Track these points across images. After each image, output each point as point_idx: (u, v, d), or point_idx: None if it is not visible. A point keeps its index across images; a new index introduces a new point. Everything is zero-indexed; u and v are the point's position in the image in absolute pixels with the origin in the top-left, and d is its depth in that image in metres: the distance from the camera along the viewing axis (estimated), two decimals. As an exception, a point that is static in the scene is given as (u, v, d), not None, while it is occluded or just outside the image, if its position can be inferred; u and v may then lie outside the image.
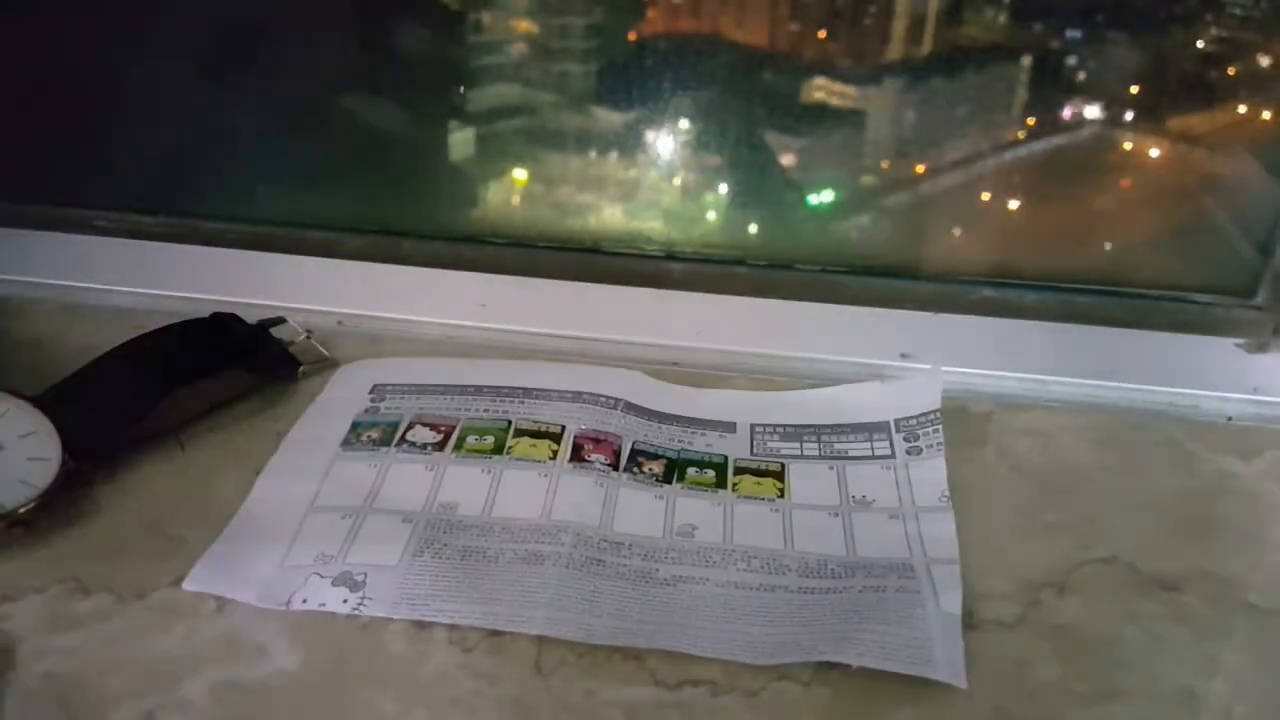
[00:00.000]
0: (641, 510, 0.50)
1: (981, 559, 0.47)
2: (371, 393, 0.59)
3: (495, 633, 0.44)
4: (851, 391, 0.58)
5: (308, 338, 0.62)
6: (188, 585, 0.46)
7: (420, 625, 0.44)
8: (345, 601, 0.45)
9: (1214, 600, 0.46)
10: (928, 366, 0.60)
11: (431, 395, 0.58)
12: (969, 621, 0.44)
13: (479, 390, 0.59)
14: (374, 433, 0.55)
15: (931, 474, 0.52)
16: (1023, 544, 0.49)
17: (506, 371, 0.60)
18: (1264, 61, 0.63)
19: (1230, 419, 0.58)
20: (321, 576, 0.46)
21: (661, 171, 0.72)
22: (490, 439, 0.55)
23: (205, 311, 0.62)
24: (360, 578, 0.46)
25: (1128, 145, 0.67)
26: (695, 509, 0.51)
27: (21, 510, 0.49)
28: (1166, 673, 0.43)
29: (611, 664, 0.43)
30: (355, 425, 0.56)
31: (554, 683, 0.42)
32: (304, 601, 0.45)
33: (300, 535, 0.49)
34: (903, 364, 0.61)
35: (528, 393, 0.58)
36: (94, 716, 0.41)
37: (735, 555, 0.48)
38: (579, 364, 0.61)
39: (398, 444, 0.54)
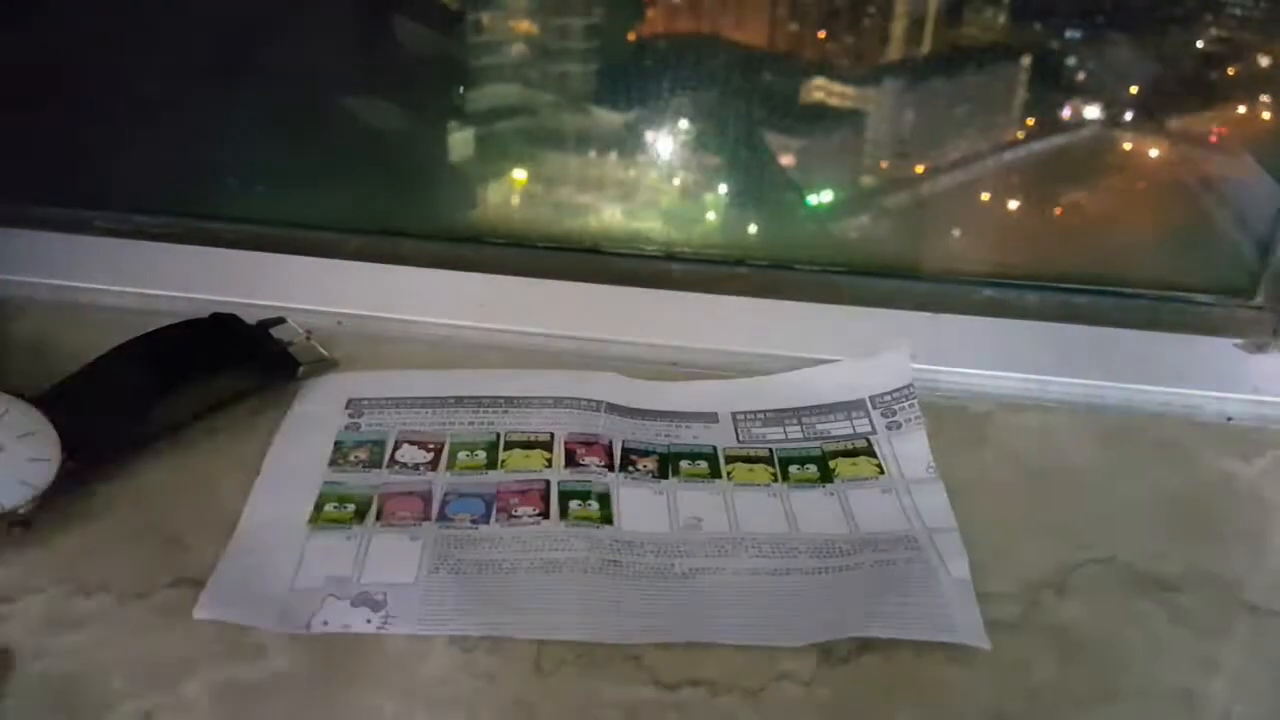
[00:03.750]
0: (645, 507, 0.51)
1: (981, 559, 0.47)
2: (348, 407, 0.58)
3: (495, 633, 0.44)
4: (823, 373, 0.59)
5: (307, 338, 0.62)
6: (198, 614, 0.45)
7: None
8: (369, 622, 0.44)
9: (1213, 601, 0.46)
10: (982, 374, 0.60)
11: (411, 409, 0.58)
12: (969, 622, 0.44)
13: (460, 402, 0.58)
14: (361, 452, 0.54)
15: (914, 447, 0.53)
16: (1022, 544, 0.49)
17: (484, 381, 0.59)
18: (1264, 61, 0.63)
19: (1230, 419, 0.58)
20: (338, 598, 0.45)
21: (661, 171, 0.72)
22: (482, 454, 0.54)
23: (205, 312, 0.62)
24: (380, 597, 0.45)
25: (1127, 145, 0.67)
26: (697, 501, 0.51)
27: (21, 510, 0.48)
28: (1166, 673, 0.43)
29: (611, 664, 0.43)
30: (339, 443, 0.55)
31: (554, 683, 0.42)
32: (325, 624, 0.44)
33: (305, 557, 0.48)
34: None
35: (510, 401, 0.58)
36: (93, 717, 0.41)
37: (745, 543, 0.48)
38: (555, 369, 0.61)
39: (388, 465, 0.54)
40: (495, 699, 0.41)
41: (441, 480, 0.53)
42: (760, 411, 0.57)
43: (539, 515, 0.50)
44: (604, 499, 0.51)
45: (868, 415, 0.56)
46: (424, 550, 0.48)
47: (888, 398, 0.56)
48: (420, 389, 0.59)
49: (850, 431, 0.55)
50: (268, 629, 0.44)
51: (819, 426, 0.56)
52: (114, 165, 0.77)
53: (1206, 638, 0.44)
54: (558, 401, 0.57)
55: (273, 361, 0.60)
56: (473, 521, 0.50)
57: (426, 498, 0.51)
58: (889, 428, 0.55)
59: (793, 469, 0.53)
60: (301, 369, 0.60)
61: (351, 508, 0.51)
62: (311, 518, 0.50)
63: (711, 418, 0.57)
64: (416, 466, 0.54)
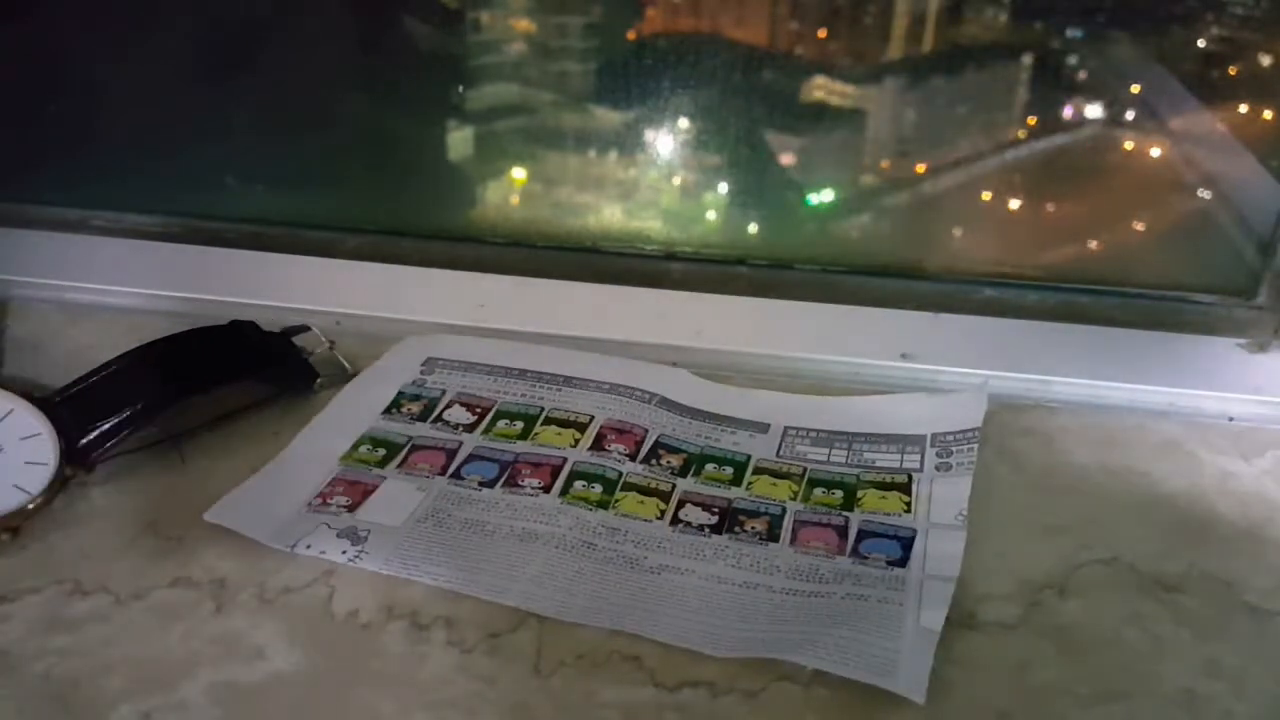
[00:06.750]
0: (645, 499, 0.51)
1: (982, 560, 0.47)
2: (424, 365, 0.61)
3: (494, 634, 0.44)
4: (894, 402, 0.58)
5: (330, 348, 0.61)
6: (208, 517, 0.48)
7: (419, 626, 0.44)
8: (344, 553, 0.47)
9: (1214, 601, 0.46)
10: (980, 374, 0.59)
11: (477, 374, 0.60)
12: (970, 623, 0.44)
13: (522, 374, 0.60)
14: (415, 406, 0.58)
15: (954, 492, 0.51)
16: (1023, 544, 0.49)
17: (555, 358, 0.61)
18: (1264, 61, 0.63)
19: (1231, 419, 0.58)
20: (330, 528, 0.48)
21: (661, 171, 0.72)
22: (519, 424, 0.56)
23: (205, 310, 0.62)
24: (364, 534, 0.48)
25: (1128, 145, 0.67)
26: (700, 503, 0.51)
27: (11, 515, 0.48)
28: (1167, 673, 0.43)
29: (610, 665, 0.43)
30: (400, 394, 0.59)
31: (553, 684, 0.42)
32: (308, 548, 0.47)
33: (323, 489, 0.51)
34: (905, 365, 0.61)
35: (568, 380, 0.60)
36: (92, 718, 0.41)
37: (727, 551, 0.48)
38: (626, 357, 0.62)
39: (433, 421, 0.57)
40: (495, 700, 0.41)
41: (472, 442, 0.55)
42: (812, 430, 0.56)
43: (542, 489, 0.52)
44: (610, 484, 0.52)
45: (921, 452, 0.54)
46: (424, 500, 0.51)
47: (949, 437, 0.54)
48: (494, 357, 0.62)
49: (896, 465, 0.53)
50: (260, 542, 0.47)
51: (866, 455, 0.54)
52: (113, 165, 0.77)
53: (1208, 638, 0.44)
54: (614, 388, 0.59)
55: (291, 372, 0.59)
56: (480, 484, 0.52)
57: (451, 455, 0.54)
58: (938, 468, 0.53)
59: (818, 491, 0.52)
60: (319, 380, 0.60)
61: (382, 452, 0.54)
62: (344, 455, 0.54)
63: (762, 428, 0.57)
64: (457, 426, 0.56)
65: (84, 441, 0.51)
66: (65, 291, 0.68)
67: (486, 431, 0.56)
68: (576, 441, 0.55)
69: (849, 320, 0.65)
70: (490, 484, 0.52)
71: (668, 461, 0.54)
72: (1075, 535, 0.49)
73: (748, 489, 0.52)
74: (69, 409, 0.51)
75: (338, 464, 0.53)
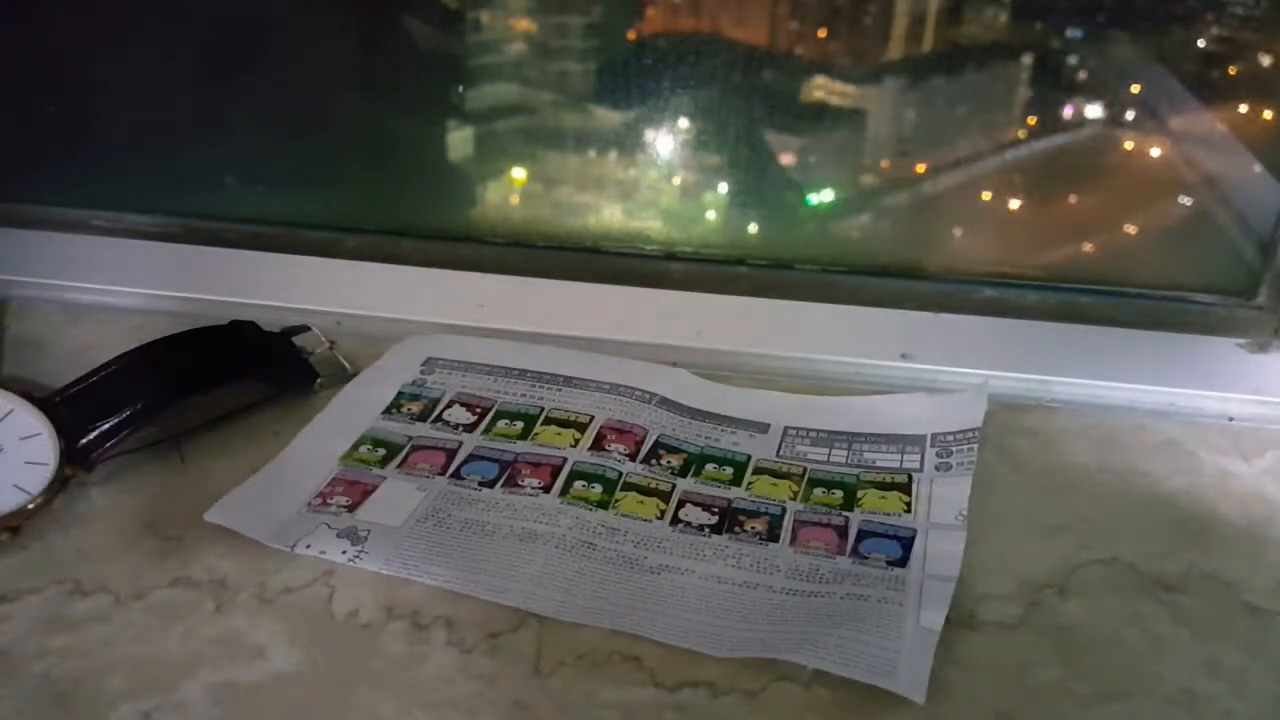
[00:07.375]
0: (645, 499, 0.51)
1: (982, 560, 0.47)
2: (423, 365, 0.61)
3: (494, 634, 0.44)
4: (894, 402, 0.58)
5: (330, 348, 0.61)
6: (208, 517, 0.48)
7: (419, 626, 0.44)
8: (344, 553, 0.47)
9: (1214, 601, 0.46)
10: (980, 374, 0.59)
11: (477, 374, 0.61)
12: (970, 623, 0.44)
13: (523, 374, 0.60)
14: (415, 406, 0.58)
15: (954, 492, 0.51)
16: (1024, 544, 0.49)
17: (555, 358, 0.62)
18: (1264, 61, 0.63)
19: (1231, 419, 0.58)
20: (330, 528, 0.49)
21: (661, 171, 0.72)
22: (519, 424, 0.57)
23: (205, 310, 0.61)
24: (364, 534, 0.48)
25: (1128, 145, 0.67)
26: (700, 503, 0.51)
27: (11, 515, 0.48)
28: (1167, 673, 0.43)
29: (610, 665, 0.43)
30: (400, 394, 0.59)
31: (553, 684, 0.42)
32: (308, 548, 0.48)
33: (323, 489, 0.52)
34: (905, 365, 0.61)
35: (568, 381, 0.60)
36: (92, 718, 0.41)
37: (727, 551, 0.48)
38: (626, 357, 0.62)
39: (433, 421, 0.57)
40: (495, 700, 0.41)
41: (471, 442, 0.55)
42: (813, 430, 0.56)
43: (542, 489, 0.52)
44: (610, 484, 0.52)
45: (921, 452, 0.54)
46: (424, 500, 0.51)
47: (949, 437, 0.54)
48: (494, 357, 0.62)
49: (896, 465, 0.53)
50: (260, 542, 0.47)
51: (866, 455, 0.54)
52: (113, 165, 0.77)
53: (1208, 638, 0.44)
54: (614, 388, 0.59)
55: (290, 372, 0.59)
56: (480, 484, 0.52)
57: (451, 455, 0.54)
58: (938, 468, 0.53)
59: (818, 491, 0.52)
60: (319, 380, 0.60)
61: (382, 452, 0.54)
62: (345, 455, 0.54)
63: (762, 428, 0.57)
64: (457, 426, 0.57)
65: (84, 441, 0.51)
66: (65, 291, 0.68)
67: (486, 431, 0.56)
68: (576, 441, 0.55)
69: (849, 320, 0.65)
70: (490, 484, 0.52)
71: (668, 461, 0.54)
72: (1075, 535, 0.49)
73: (748, 489, 0.52)
74: (69, 409, 0.51)
75: (338, 464, 0.53)
